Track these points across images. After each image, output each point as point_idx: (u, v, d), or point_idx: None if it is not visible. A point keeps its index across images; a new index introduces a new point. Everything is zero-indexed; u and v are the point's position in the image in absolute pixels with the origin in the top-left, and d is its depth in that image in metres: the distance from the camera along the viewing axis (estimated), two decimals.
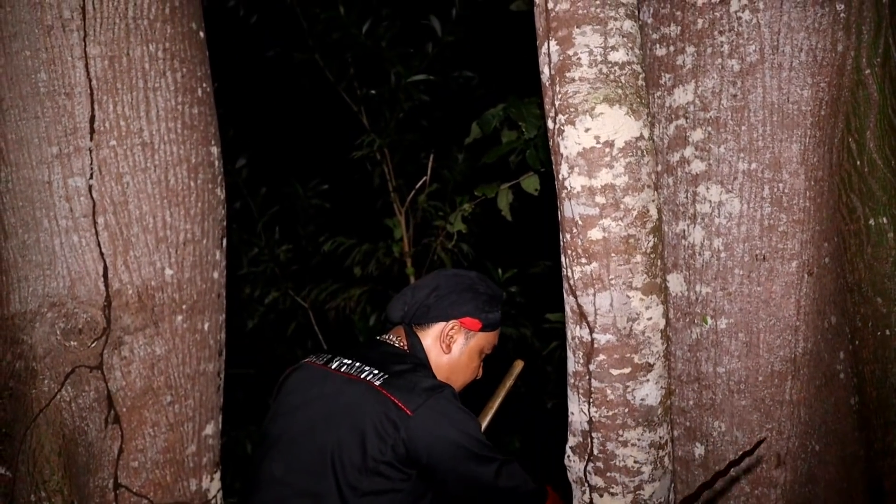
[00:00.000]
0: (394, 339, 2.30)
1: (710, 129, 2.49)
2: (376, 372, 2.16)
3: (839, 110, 2.46)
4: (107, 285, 2.62)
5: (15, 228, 2.62)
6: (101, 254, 2.61)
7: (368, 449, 2.05)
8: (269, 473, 2.23)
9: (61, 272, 2.60)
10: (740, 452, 2.44)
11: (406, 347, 2.28)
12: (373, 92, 5.15)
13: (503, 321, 2.35)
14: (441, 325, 2.20)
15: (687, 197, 2.53)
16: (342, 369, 2.20)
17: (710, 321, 2.49)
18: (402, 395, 2.07)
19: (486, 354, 2.31)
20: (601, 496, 2.27)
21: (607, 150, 2.13)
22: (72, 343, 2.59)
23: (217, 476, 2.88)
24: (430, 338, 2.21)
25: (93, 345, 2.61)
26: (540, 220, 4.35)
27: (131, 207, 2.65)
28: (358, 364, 2.20)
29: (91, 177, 2.61)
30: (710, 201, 2.49)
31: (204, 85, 2.85)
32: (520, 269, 5.13)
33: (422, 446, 2.02)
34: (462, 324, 2.20)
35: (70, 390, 2.59)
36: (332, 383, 2.19)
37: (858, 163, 2.48)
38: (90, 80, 2.59)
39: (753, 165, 2.44)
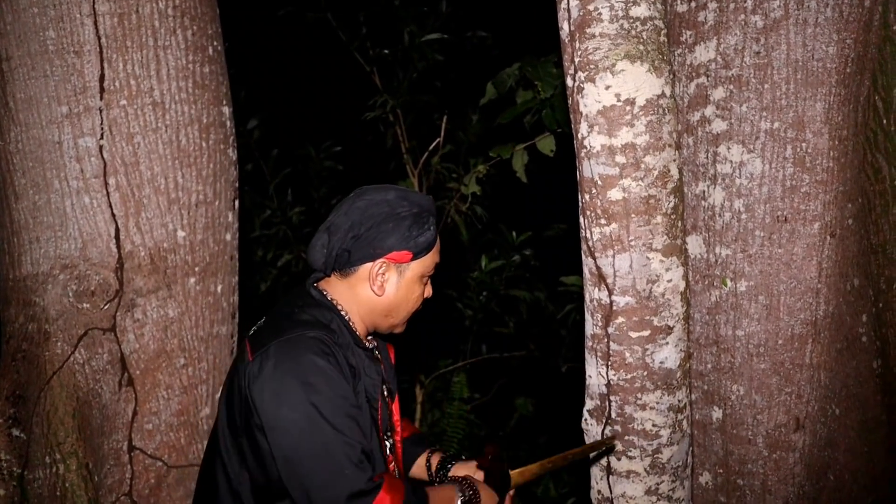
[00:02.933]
0: (308, 287, 2.07)
1: (731, 87, 2.42)
2: (259, 324, 2.00)
3: (865, 67, 2.39)
4: (119, 247, 2.60)
5: (25, 189, 2.59)
6: (113, 215, 2.59)
7: (234, 412, 1.90)
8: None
9: (73, 234, 2.58)
10: (759, 416, 2.43)
11: (324, 292, 2.05)
12: (386, 52, 5.08)
13: (440, 234, 2.05)
14: (367, 265, 1.95)
15: (707, 157, 2.48)
16: (251, 332, 2.03)
17: (729, 283, 2.45)
18: (256, 343, 1.88)
19: (430, 275, 2.03)
20: (619, 460, 2.25)
21: (628, 108, 2.08)
22: (84, 305, 2.58)
23: None
24: (360, 283, 1.96)
25: (105, 307, 2.59)
26: (555, 182, 4.31)
27: (143, 168, 2.62)
28: (259, 323, 2.03)
29: (102, 137, 2.58)
30: (731, 161, 2.43)
31: (215, 43, 2.80)
32: (534, 231, 5.09)
33: (255, 396, 1.81)
34: (390, 259, 1.94)
35: (83, 353, 2.58)
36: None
37: (885, 121, 2.42)
38: (99, 38, 2.55)
39: (776, 125, 2.38)
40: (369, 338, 2.17)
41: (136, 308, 2.62)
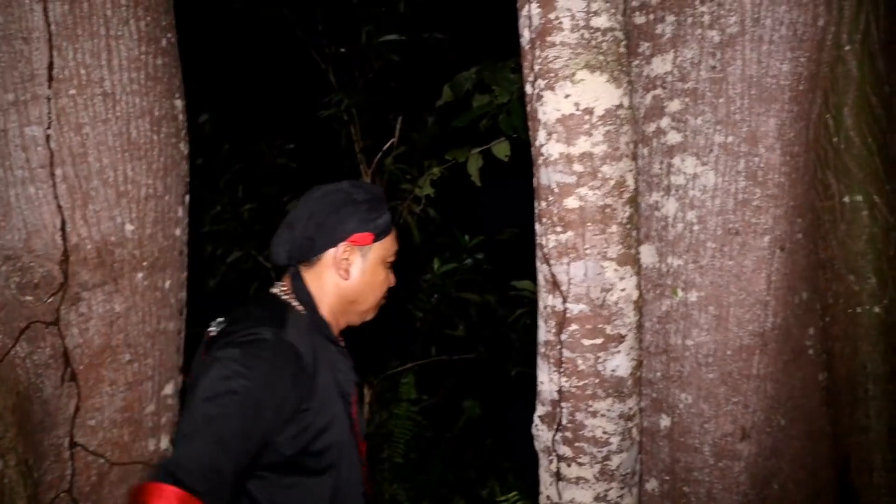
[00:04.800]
0: (276, 290, 2.08)
1: (687, 100, 2.45)
2: (218, 322, 1.99)
3: (818, 86, 2.44)
4: (64, 239, 2.54)
5: None
6: (59, 207, 2.53)
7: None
8: None
9: (17, 224, 2.51)
10: (706, 424, 2.45)
11: (288, 291, 2.05)
12: (342, 50, 5.05)
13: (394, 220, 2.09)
14: (331, 251, 1.98)
15: (661, 168, 2.50)
16: (210, 336, 2.01)
17: (680, 293, 2.48)
18: (211, 344, 1.89)
19: (391, 262, 2.08)
20: (569, 466, 2.26)
21: (587, 117, 2.09)
22: (27, 298, 2.51)
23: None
24: (325, 270, 1.99)
25: (49, 300, 2.53)
26: (508, 187, 4.32)
27: (91, 160, 2.56)
28: (213, 327, 2.01)
29: (49, 126, 2.51)
30: (684, 173, 2.46)
31: (168, 35, 2.75)
32: (487, 235, 5.10)
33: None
34: (352, 242, 1.98)
35: (25, 346, 2.52)
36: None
37: (835, 139, 2.46)
38: (49, 25, 2.49)
39: (730, 138, 2.41)
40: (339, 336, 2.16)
41: (82, 302, 2.56)
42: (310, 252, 1.99)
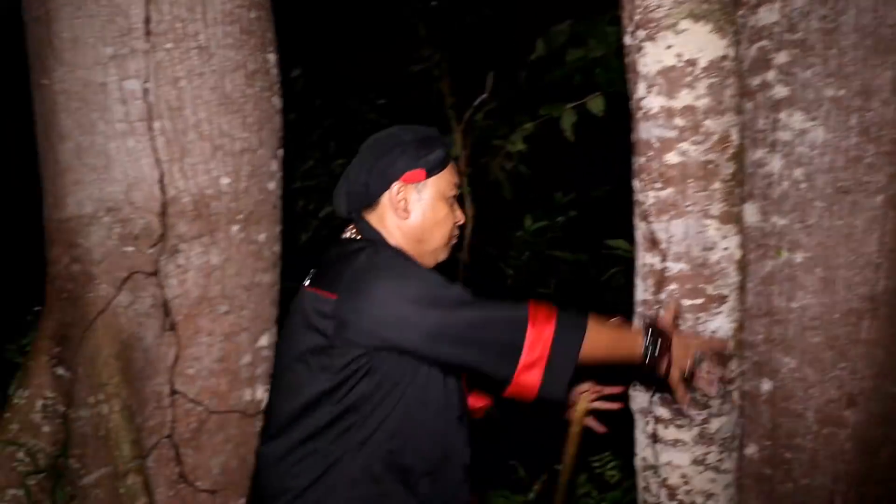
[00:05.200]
0: (347, 234, 2.13)
1: (796, 51, 2.33)
2: (312, 272, 2.05)
3: None
4: (163, 191, 2.58)
5: (70, 131, 2.57)
6: (157, 159, 2.57)
7: (304, 348, 1.95)
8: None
9: (117, 177, 2.56)
10: (810, 390, 2.37)
11: (357, 234, 2.10)
12: (434, 3, 4.98)
13: (450, 156, 2.07)
14: (386, 195, 2.00)
15: (767, 123, 2.39)
16: (305, 283, 2.09)
17: (785, 254, 2.38)
18: (326, 286, 1.94)
19: (453, 196, 2.06)
20: (666, 428, 2.21)
21: (690, 69, 2.01)
22: (128, 248, 2.57)
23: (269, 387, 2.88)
24: (386, 215, 2.01)
25: (149, 251, 2.59)
26: (603, 143, 4.23)
27: (187, 113, 2.59)
28: (311, 271, 2.08)
29: (146, 80, 2.54)
30: (791, 129, 2.35)
31: None
32: (579, 193, 5.02)
33: (359, 324, 1.85)
34: (405, 181, 1.99)
35: (127, 295, 2.58)
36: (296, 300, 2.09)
37: None
38: None
39: (841, 92, 2.29)
40: None
41: (180, 254, 2.61)
42: (367, 198, 2.02)
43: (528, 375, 1.81)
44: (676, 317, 2.06)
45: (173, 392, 2.65)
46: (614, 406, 2.12)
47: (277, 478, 2.00)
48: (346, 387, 1.89)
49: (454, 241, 2.14)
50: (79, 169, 2.58)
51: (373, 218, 2.04)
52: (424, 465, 1.96)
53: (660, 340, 1.91)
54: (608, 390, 2.13)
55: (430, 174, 2.00)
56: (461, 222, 2.08)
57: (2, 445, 2.44)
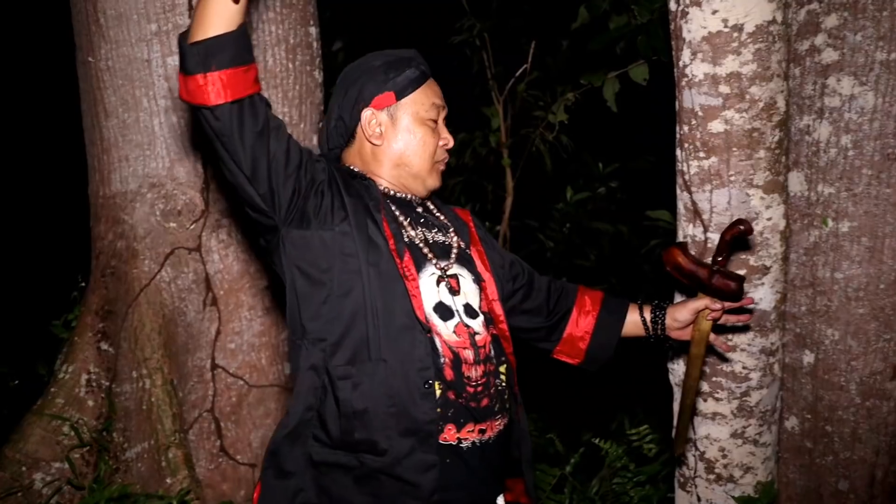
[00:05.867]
0: None
1: (846, 14, 2.27)
2: None
3: None
4: (205, 168, 2.60)
5: (115, 107, 2.60)
6: (200, 135, 2.59)
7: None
8: None
9: (161, 153, 2.59)
10: (853, 362, 2.33)
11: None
12: None
13: (426, 73, 1.91)
14: (359, 127, 1.87)
15: (815, 89, 2.34)
16: None
17: (830, 223, 2.33)
18: None
19: (433, 119, 1.90)
20: (705, 401, 2.19)
21: (735, 34, 1.96)
22: (171, 224, 2.60)
23: None
24: (363, 145, 1.89)
25: (191, 227, 2.61)
26: (646, 113, 4.16)
27: None
28: None
29: None
30: (840, 94, 2.29)
31: None
32: (621, 163, 4.96)
33: None
34: (375, 106, 1.85)
35: (169, 271, 2.61)
36: None
37: None
38: None
39: (893, 55, 2.23)
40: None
41: (222, 229, 2.63)
42: (345, 133, 1.90)
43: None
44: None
45: (214, 366, 2.69)
46: (742, 318, 1.98)
47: None
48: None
49: (442, 166, 1.97)
50: (123, 145, 2.61)
51: (349, 154, 1.93)
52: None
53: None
54: (728, 305, 1.97)
55: (400, 96, 1.86)
56: (448, 144, 1.94)
57: (47, 419, 2.49)
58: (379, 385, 1.67)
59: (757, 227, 2.06)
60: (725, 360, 2.12)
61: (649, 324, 2.05)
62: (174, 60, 2.53)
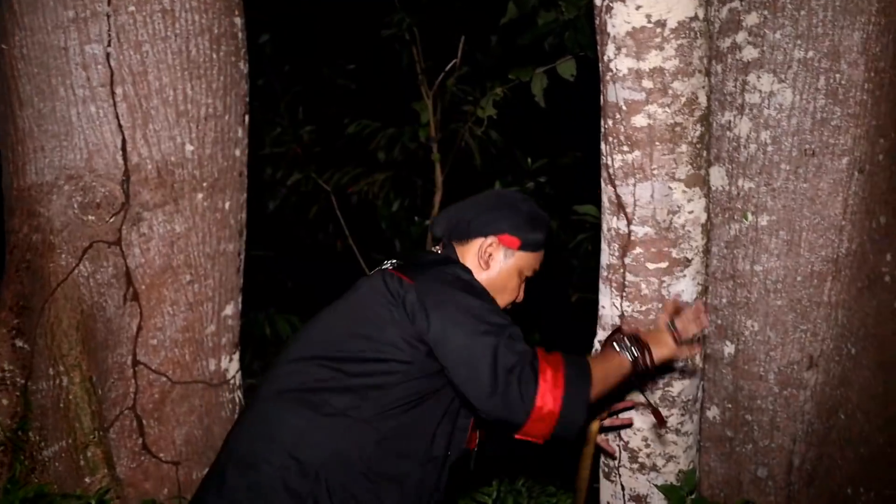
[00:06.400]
0: (435, 249, 2.22)
1: (766, 12, 2.33)
2: (395, 262, 2.10)
3: None
4: (125, 159, 2.54)
5: (30, 97, 2.52)
6: (120, 126, 2.53)
7: (359, 321, 1.96)
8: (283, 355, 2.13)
9: (78, 144, 2.52)
10: (772, 352, 2.39)
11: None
12: None
13: (547, 247, 2.16)
14: (480, 240, 2.08)
15: (736, 86, 2.39)
16: (384, 266, 2.13)
17: (750, 217, 2.39)
18: (408, 272, 1.98)
19: (527, 277, 2.14)
20: (629, 391, 2.22)
21: (658, 29, 1.99)
22: (89, 217, 2.53)
23: (236, 356, 2.86)
24: (469, 254, 2.09)
25: (111, 220, 2.55)
26: (573, 108, 4.20)
27: (151, 78, 2.54)
28: (388, 262, 2.13)
29: (109, 44, 2.49)
30: (760, 91, 2.35)
31: None
32: (549, 158, 5.00)
33: (419, 308, 1.89)
34: (500, 240, 2.07)
35: (88, 265, 2.55)
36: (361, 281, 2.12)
37: None
38: None
39: (810, 54, 2.29)
40: None
41: (143, 222, 2.58)
42: (463, 234, 2.10)
43: (538, 426, 1.82)
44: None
45: (136, 363, 2.63)
46: (626, 422, 2.16)
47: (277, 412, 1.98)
48: (390, 364, 1.92)
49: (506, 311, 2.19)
50: (39, 136, 2.53)
51: (459, 251, 2.11)
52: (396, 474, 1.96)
53: (634, 342, 1.92)
54: (618, 406, 2.18)
55: (522, 248, 2.08)
56: (519, 300, 2.15)
57: None
58: None
59: (679, 220, 2.09)
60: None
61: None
62: (91, 48, 2.47)
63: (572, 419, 1.82)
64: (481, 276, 2.06)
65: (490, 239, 2.07)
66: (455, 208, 2.19)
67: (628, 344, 1.90)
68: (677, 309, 1.92)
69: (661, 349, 1.91)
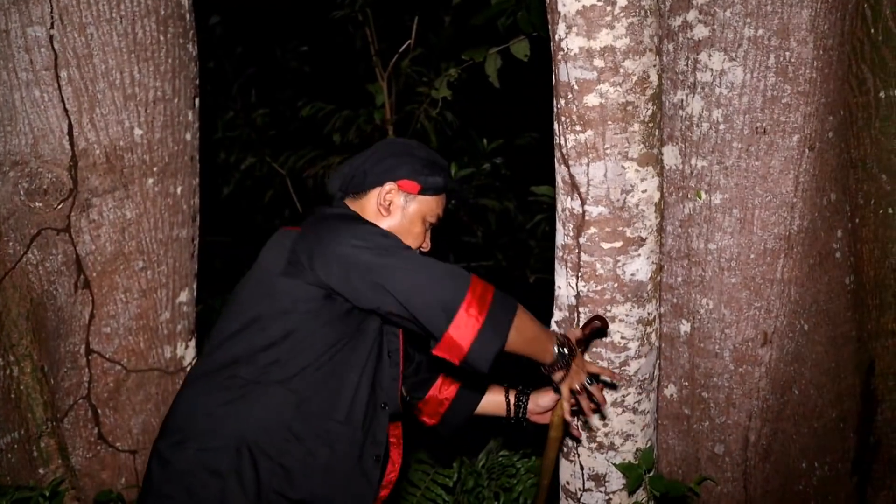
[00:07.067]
0: (336, 207, 2.18)
1: None
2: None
3: None
4: (72, 144, 2.49)
5: None
6: (66, 110, 2.47)
7: (260, 283, 1.98)
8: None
9: (23, 129, 2.46)
10: (727, 330, 2.41)
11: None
12: None
13: (448, 191, 2.16)
14: (378, 189, 2.08)
15: (687, 64, 2.40)
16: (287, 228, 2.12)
17: (704, 196, 2.40)
18: (300, 225, 2.02)
19: (431, 223, 2.14)
20: None
21: (609, 8, 1.99)
22: (37, 204, 2.48)
23: (192, 343, 2.83)
24: (368, 205, 2.08)
25: (59, 206, 2.49)
26: (529, 89, 4.19)
27: (96, 61, 2.48)
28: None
29: (52, 26, 2.43)
30: (711, 69, 2.36)
31: None
32: (506, 140, 4.99)
33: (309, 250, 1.90)
34: (400, 186, 2.07)
35: (37, 253, 2.49)
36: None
37: (872, 31, 2.34)
38: None
39: (760, 32, 2.30)
40: None
41: (92, 208, 2.53)
42: (360, 185, 2.10)
43: (460, 335, 1.81)
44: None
45: (89, 351, 2.58)
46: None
47: (192, 396, 1.98)
48: (290, 316, 1.91)
49: None
50: None
51: (355, 205, 2.10)
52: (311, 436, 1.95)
53: (568, 353, 1.94)
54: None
55: (422, 192, 2.08)
56: (426, 249, 2.14)
57: None
58: None
59: (632, 200, 2.10)
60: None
61: (512, 406, 2.32)
62: (34, 31, 2.40)
63: (489, 342, 1.82)
64: (382, 224, 2.05)
65: (388, 185, 2.07)
66: (349, 163, 2.17)
67: (565, 349, 1.95)
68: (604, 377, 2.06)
69: (574, 378, 1.97)
